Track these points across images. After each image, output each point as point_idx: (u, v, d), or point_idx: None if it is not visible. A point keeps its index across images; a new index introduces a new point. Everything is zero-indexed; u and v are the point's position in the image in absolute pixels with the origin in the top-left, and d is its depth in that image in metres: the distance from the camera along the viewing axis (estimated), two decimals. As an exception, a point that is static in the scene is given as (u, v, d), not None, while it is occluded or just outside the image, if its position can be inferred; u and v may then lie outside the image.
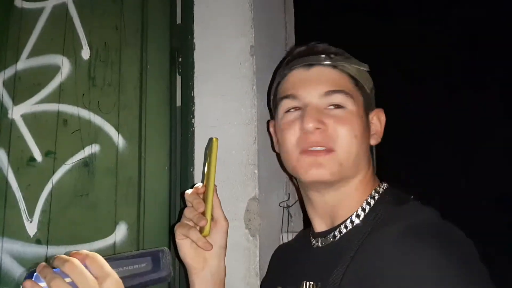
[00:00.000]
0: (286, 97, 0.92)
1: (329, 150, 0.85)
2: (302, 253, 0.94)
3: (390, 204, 0.83)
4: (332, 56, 0.90)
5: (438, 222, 0.75)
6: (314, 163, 0.85)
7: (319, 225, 0.91)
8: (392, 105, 1.10)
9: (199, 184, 0.99)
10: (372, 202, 0.85)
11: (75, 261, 0.68)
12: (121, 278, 0.70)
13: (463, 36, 4.14)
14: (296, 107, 0.90)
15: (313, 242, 0.90)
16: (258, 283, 1.12)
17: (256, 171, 1.19)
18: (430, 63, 4.17)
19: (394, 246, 0.70)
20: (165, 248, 0.76)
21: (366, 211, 0.84)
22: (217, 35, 1.33)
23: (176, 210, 1.31)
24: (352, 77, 0.90)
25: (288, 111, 0.92)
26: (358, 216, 0.83)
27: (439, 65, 4.20)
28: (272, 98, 1.01)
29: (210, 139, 0.93)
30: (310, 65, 0.91)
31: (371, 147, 0.94)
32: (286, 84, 0.94)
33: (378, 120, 0.95)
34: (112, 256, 0.74)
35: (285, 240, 1.23)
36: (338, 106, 0.87)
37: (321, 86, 0.88)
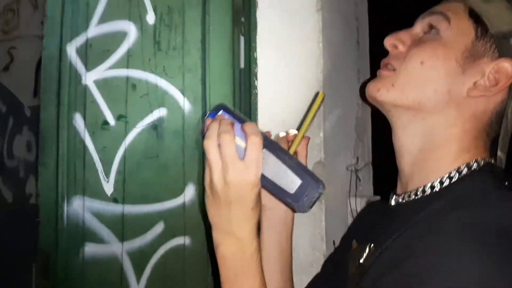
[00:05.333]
0: None
1: (392, 69, 0.75)
2: (380, 211, 0.89)
3: (476, 186, 0.68)
4: None
5: None
6: (374, 78, 0.77)
7: (399, 182, 0.80)
8: None
9: (291, 130, 0.89)
10: (457, 176, 0.71)
11: (231, 135, 0.66)
12: (263, 175, 0.66)
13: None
14: None
15: (390, 201, 0.84)
16: (324, 247, 1.11)
17: (321, 135, 1.15)
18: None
19: (443, 238, 0.57)
20: (322, 186, 0.66)
21: (445, 184, 0.71)
22: (281, -8, 1.27)
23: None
24: (471, 10, 0.74)
25: None
26: (432, 187, 0.72)
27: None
28: None
29: (316, 93, 0.85)
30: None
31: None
32: None
33: (497, 71, 0.72)
34: (279, 148, 0.69)
35: (353, 205, 1.19)
36: (429, 30, 0.76)
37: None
